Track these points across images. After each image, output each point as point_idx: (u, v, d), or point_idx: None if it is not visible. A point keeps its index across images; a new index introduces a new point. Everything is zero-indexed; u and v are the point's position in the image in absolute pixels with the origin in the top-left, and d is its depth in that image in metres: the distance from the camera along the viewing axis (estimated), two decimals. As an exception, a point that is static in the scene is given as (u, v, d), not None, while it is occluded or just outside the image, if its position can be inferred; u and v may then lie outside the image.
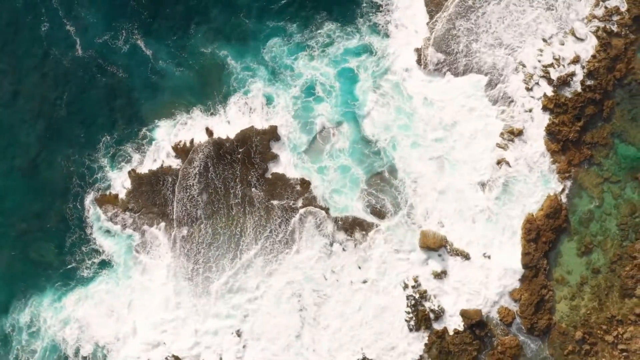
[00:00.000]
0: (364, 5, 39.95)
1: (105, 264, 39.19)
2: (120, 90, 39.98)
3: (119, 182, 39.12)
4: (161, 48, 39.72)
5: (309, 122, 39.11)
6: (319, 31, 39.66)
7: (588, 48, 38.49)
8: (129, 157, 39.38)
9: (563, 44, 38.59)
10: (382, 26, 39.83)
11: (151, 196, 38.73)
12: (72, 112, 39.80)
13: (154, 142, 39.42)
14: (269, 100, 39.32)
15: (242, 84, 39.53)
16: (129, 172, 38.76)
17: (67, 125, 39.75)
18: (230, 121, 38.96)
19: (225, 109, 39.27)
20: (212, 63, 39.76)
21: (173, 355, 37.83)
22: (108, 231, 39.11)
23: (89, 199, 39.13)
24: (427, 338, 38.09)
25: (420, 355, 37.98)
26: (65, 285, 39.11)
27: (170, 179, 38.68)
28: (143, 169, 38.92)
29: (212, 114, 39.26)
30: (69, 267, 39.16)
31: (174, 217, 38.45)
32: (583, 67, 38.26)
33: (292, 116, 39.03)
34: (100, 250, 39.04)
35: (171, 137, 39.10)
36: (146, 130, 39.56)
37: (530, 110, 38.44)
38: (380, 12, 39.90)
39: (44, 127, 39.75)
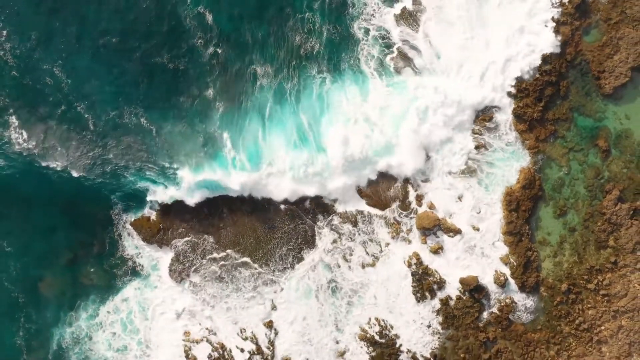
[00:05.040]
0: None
1: (136, 273, 43.73)
2: (137, 148, 42.17)
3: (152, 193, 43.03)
4: (161, 121, 42.41)
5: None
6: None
7: (541, 37, 43.91)
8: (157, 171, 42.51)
9: (519, 37, 43.98)
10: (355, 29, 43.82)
11: (179, 214, 43.84)
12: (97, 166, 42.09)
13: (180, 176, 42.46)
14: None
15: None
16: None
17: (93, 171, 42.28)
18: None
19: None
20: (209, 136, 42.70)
21: (214, 347, 43.52)
22: (141, 249, 43.77)
23: (119, 203, 43.05)
24: (434, 306, 43.56)
25: (429, 321, 43.55)
26: (103, 298, 43.67)
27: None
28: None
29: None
30: (110, 282, 43.56)
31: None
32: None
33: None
34: (132, 262, 43.57)
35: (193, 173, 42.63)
36: (169, 164, 42.44)
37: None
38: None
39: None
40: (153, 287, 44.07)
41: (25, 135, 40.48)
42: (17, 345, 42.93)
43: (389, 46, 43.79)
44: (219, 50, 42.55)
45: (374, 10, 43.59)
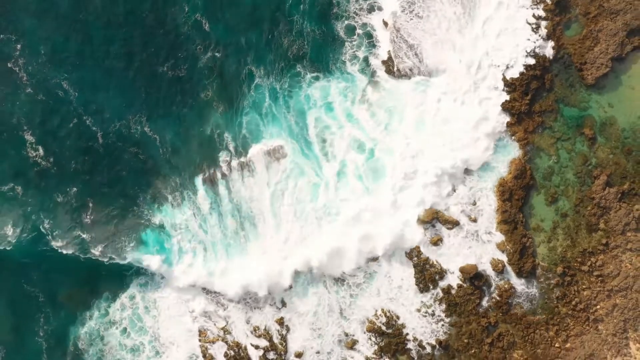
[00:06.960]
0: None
1: (144, 272, 44.74)
2: (145, 165, 43.95)
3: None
4: (165, 130, 44.29)
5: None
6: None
7: (524, 34, 46.09)
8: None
9: (503, 34, 46.17)
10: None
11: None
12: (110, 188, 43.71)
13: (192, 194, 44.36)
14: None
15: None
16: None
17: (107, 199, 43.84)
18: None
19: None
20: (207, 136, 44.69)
21: (230, 345, 45.32)
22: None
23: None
24: (436, 296, 45.33)
25: (433, 310, 45.45)
26: (114, 296, 44.54)
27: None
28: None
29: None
30: (120, 281, 44.62)
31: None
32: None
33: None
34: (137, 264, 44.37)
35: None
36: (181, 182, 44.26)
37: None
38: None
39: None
40: (159, 286, 45.09)
41: (41, 151, 42.34)
42: (37, 345, 43.48)
43: (375, 46, 45.91)
44: (217, 54, 44.60)
45: (357, 9, 45.71)
